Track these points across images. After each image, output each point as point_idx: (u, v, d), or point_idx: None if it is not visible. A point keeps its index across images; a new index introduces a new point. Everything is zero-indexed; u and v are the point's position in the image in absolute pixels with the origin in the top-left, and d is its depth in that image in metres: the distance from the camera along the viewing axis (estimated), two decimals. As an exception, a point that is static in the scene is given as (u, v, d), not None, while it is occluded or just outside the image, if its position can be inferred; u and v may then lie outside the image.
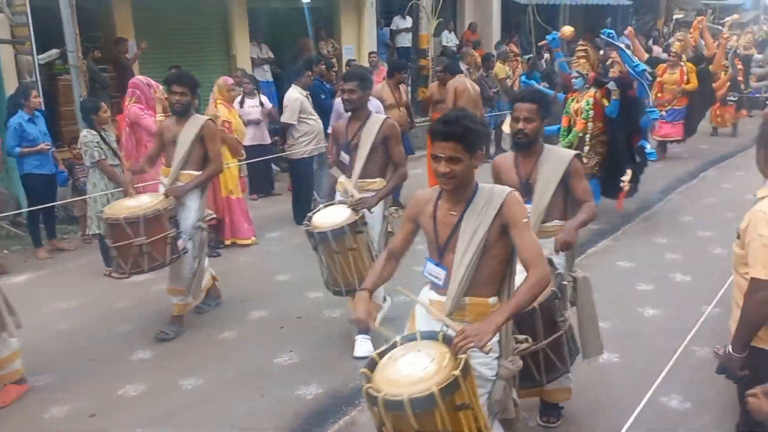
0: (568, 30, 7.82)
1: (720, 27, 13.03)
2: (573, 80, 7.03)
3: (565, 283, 3.27)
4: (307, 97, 7.30)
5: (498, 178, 3.57)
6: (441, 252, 2.62)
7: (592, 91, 6.94)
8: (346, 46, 12.64)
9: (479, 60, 10.81)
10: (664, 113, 9.60)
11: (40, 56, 6.82)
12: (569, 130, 7.08)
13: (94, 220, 5.89)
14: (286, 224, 7.35)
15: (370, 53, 11.69)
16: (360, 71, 4.76)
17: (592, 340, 3.63)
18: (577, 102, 7.02)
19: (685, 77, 9.58)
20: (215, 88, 6.82)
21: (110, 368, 4.38)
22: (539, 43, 10.02)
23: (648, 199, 8.08)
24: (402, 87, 7.75)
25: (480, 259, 2.54)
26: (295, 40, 12.21)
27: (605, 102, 6.86)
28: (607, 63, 8.45)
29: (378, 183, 4.42)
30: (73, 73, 6.80)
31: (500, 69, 11.31)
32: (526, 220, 2.53)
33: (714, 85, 10.31)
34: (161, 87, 6.10)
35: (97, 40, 9.33)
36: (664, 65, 9.77)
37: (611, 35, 7.13)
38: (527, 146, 3.44)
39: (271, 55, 11.54)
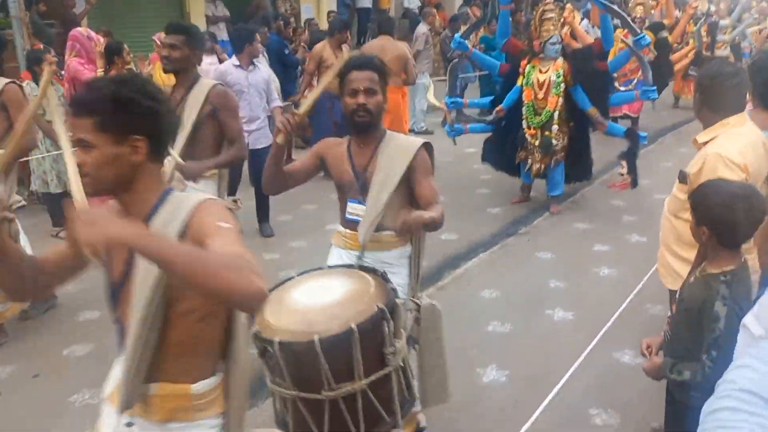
0: None
1: None
2: (550, 46, 5.90)
3: (399, 300, 2.39)
4: (263, 54, 7.09)
5: (326, 170, 2.83)
6: (115, 301, 1.74)
7: (561, 61, 5.99)
8: (305, 5, 12.34)
9: (439, 21, 10.67)
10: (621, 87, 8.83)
11: (-22, 6, 6.46)
12: (533, 105, 6.08)
13: (39, 177, 5.70)
14: (240, 186, 7.19)
15: (329, 12, 11.44)
16: (187, 25, 3.96)
17: (436, 387, 2.86)
18: (541, 72, 5.99)
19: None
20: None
21: (56, 328, 4.25)
22: None
23: (607, 162, 8.14)
24: (345, 47, 7.26)
25: (164, 316, 1.61)
26: (252, -2, 11.86)
27: (575, 80, 6.01)
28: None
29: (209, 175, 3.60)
30: (15, 25, 6.46)
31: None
32: (225, 225, 1.55)
33: (672, 57, 9.69)
34: (102, 39, 5.86)
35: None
36: (625, 30, 9.21)
37: None
38: (370, 127, 2.67)
39: (227, 13, 11.19)
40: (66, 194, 5.68)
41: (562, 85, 5.95)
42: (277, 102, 5.92)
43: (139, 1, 10.45)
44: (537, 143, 6.12)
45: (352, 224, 2.75)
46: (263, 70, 5.95)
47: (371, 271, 2.49)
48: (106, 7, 9.69)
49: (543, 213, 6.38)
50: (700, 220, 2.16)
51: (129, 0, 10.31)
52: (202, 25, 10.41)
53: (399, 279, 2.70)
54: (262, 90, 5.69)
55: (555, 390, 2.75)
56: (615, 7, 5.88)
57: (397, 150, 2.68)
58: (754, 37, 11.29)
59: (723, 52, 11.00)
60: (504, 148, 6.48)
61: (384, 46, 6.73)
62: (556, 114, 6.01)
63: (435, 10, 11.30)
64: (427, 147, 2.73)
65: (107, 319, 4.29)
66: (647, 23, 9.06)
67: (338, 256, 2.83)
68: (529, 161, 6.31)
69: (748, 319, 1.56)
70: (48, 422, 3.32)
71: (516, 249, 5.58)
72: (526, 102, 6.07)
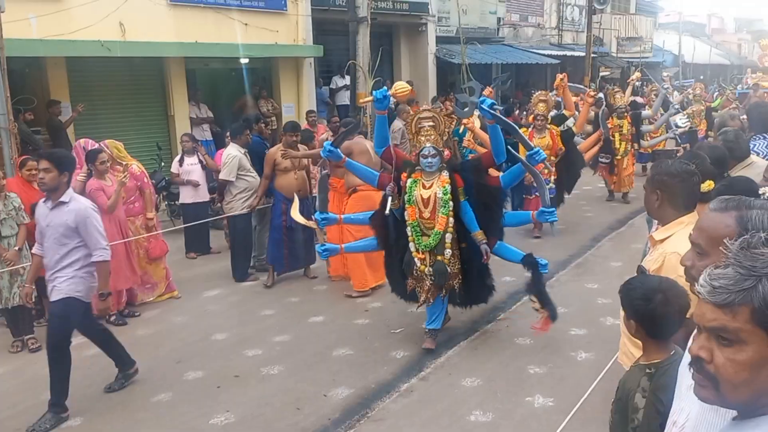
0: (401, 89, 5.18)
1: (583, 87, 11.07)
2: (426, 159, 5.01)
3: None
4: (246, 155, 7.37)
5: None
6: None
7: (446, 174, 5.10)
8: (286, 104, 12.87)
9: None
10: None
11: (-31, 118, 6.69)
12: (419, 226, 5.11)
13: None
14: (225, 282, 7.28)
15: (308, 112, 11.92)
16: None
17: None
18: (425, 187, 5.08)
19: (557, 140, 8.59)
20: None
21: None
22: (362, 101, 7.98)
23: (581, 245, 8.41)
24: (302, 148, 7.28)
25: None
26: (235, 99, 12.37)
27: (461, 195, 5.10)
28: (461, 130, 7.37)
29: None
30: (3, 136, 6.70)
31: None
32: None
33: (580, 147, 9.36)
34: (97, 145, 6.15)
35: (29, 102, 9.27)
36: (530, 130, 8.58)
37: (494, 106, 4.95)
38: None
39: (210, 115, 11.64)
40: (23, 307, 5.56)
41: (451, 203, 5.05)
42: (99, 255, 4.41)
43: (125, 106, 10.85)
44: (428, 270, 5.13)
45: None
46: (73, 209, 4.39)
47: None
48: (92, 113, 10.06)
49: (520, 297, 6.52)
50: (628, 314, 2.30)
51: (115, 105, 10.71)
52: (186, 127, 10.81)
53: None
54: (60, 235, 4.37)
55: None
56: (503, 118, 5.14)
57: None
58: (698, 122, 11.69)
59: (653, 141, 11.06)
60: (396, 270, 5.48)
61: (366, 145, 6.80)
62: (448, 236, 5.10)
63: (409, 107, 11.84)
64: None
65: (89, 425, 4.34)
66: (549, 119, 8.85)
67: None
68: (418, 291, 5.29)
69: None
70: None
71: (495, 335, 5.68)
72: (410, 222, 5.13)
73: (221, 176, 7.41)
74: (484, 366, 5.05)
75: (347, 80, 14.04)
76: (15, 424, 4.37)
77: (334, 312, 6.33)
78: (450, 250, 5.11)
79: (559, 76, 9.25)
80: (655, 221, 3.41)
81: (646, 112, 11.04)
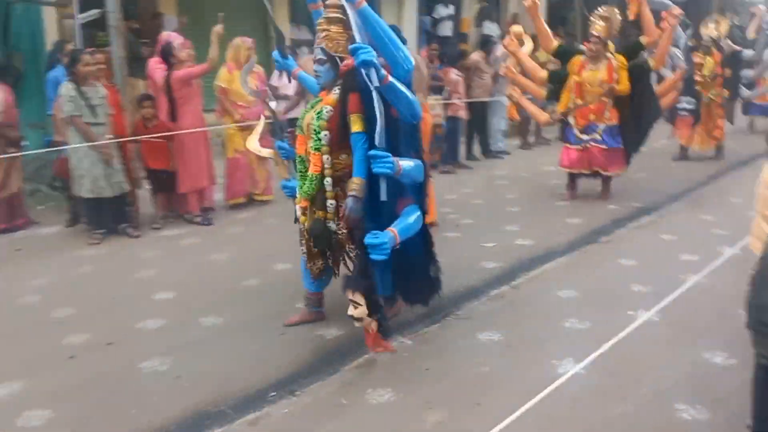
0: None
1: (667, 2, 6.98)
2: (314, 65, 3.57)
3: None
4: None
5: None
6: None
7: (335, 93, 3.47)
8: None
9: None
10: (581, 133, 6.78)
11: (80, 15, 6.84)
12: (304, 162, 3.64)
13: (79, 180, 5.63)
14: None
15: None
16: None
17: None
18: (313, 107, 3.58)
19: (615, 75, 6.55)
20: (230, 48, 6.79)
21: (131, 306, 4.34)
22: None
23: (695, 181, 7.81)
24: None
25: None
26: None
27: (357, 125, 3.35)
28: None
29: None
30: (112, 35, 6.80)
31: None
32: None
33: (658, 89, 7.08)
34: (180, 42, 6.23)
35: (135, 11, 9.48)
36: (582, 58, 6.68)
37: (366, 63, 3.01)
38: None
39: (311, 37, 11.53)
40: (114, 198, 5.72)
41: (326, 135, 3.44)
42: None
43: (226, 25, 10.90)
44: (306, 226, 3.71)
45: None
46: None
47: None
48: (194, 28, 10.17)
49: (625, 224, 6.10)
50: None
51: (216, 23, 10.77)
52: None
53: None
54: None
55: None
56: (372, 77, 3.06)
57: None
58: None
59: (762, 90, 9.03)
60: None
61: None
62: (328, 181, 3.53)
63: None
64: None
65: (181, 299, 4.41)
66: (611, 47, 6.70)
67: None
68: (303, 251, 3.87)
69: None
70: (115, 386, 3.35)
71: (596, 255, 5.33)
72: (297, 155, 3.72)
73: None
74: (582, 280, 4.73)
75: (451, 10, 13.53)
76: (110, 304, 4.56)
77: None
78: (333, 201, 3.57)
79: None
80: None
81: (747, 51, 9.00)
